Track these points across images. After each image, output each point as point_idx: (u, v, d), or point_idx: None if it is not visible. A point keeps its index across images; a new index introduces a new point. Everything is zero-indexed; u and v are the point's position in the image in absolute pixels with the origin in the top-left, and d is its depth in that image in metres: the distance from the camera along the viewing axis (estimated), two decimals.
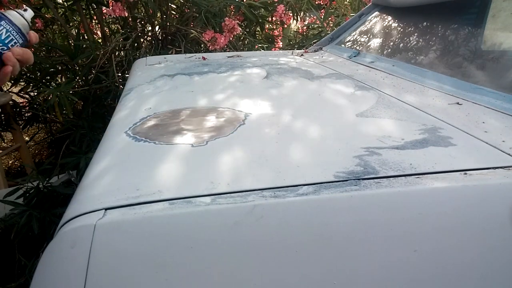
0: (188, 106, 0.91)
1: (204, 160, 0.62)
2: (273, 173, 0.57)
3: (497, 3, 1.06)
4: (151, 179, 0.57)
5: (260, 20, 2.57)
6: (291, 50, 1.87)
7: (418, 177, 0.55)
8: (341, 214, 0.52)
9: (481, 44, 1.05)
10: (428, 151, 0.63)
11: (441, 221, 0.53)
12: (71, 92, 1.87)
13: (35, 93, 2.60)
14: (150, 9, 2.36)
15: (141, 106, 0.94)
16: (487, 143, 0.66)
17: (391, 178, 0.55)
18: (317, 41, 2.06)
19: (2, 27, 0.60)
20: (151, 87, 1.12)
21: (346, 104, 0.90)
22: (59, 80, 2.58)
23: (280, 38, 3.13)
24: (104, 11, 2.36)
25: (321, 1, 3.03)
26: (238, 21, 2.23)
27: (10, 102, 2.34)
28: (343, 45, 1.70)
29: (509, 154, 0.61)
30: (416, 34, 1.32)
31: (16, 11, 0.63)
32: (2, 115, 2.32)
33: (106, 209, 0.50)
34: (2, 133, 2.45)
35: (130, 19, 2.43)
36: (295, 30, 3.32)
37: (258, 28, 2.76)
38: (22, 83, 2.48)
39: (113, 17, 2.11)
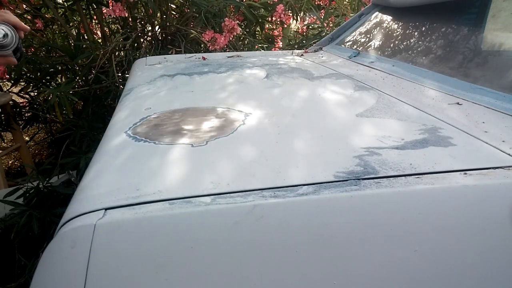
0: (188, 106, 0.91)
1: (204, 160, 0.62)
2: (273, 173, 0.57)
3: (497, 3, 1.06)
4: (151, 179, 0.57)
5: (260, 20, 2.57)
6: (291, 50, 1.87)
7: (418, 177, 0.55)
8: (341, 214, 0.52)
9: (481, 44, 1.05)
10: (428, 151, 0.63)
11: (441, 221, 0.53)
12: (71, 92, 1.87)
13: (35, 93, 2.60)
14: (150, 9, 2.36)
15: (141, 106, 0.94)
16: (487, 143, 0.66)
17: (391, 178, 0.55)
18: (317, 41, 2.06)
19: None
20: (151, 87, 1.12)
21: (346, 104, 0.90)
22: (59, 80, 2.58)
23: (280, 38, 3.13)
24: (104, 11, 2.36)
25: (321, 1, 3.04)
26: (238, 21, 2.23)
27: (10, 102, 2.34)
28: (343, 45, 1.70)
29: (509, 154, 0.61)
30: (416, 34, 1.32)
31: None
32: (2, 115, 2.33)
33: (106, 209, 0.50)
34: (2, 133, 2.45)
35: (130, 19, 2.43)
36: (295, 30, 3.32)
37: (258, 28, 2.76)
38: (22, 83, 2.48)
39: (113, 17, 2.11)
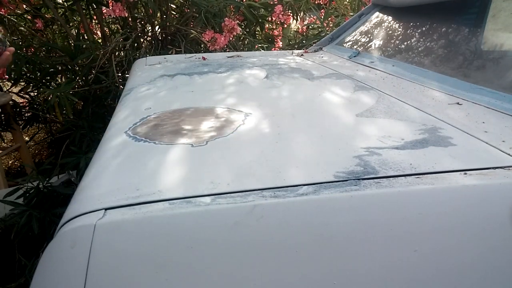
0: (188, 106, 0.91)
1: (204, 160, 0.62)
2: (273, 173, 0.57)
3: (497, 3, 1.06)
4: (151, 179, 0.57)
5: (260, 20, 2.57)
6: (291, 50, 1.87)
7: (418, 177, 0.55)
8: (341, 214, 0.52)
9: (481, 44, 1.05)
10: (428, 151, 0.63)
11: (441, 221, 0.53)
12: (71, 92, 1.87)
13: (35, 93, 2.60)
14: (150, 9, 2.36)
15: (141, 106, 0.94)
16: (487, 143, 0.66)
17: (391, 178, 0.55)
18: (317, 41, 2.06)
19: None
20: (151, 87, 1.12)
21: (346, 104, 0.90)
22: (59, 80, 2.58)
23: (280, 38, 3.13)
24: (104, 11, 2.36)
25: (320, 1, 3.03)
26: (238, 21, 2.23)
27: (10, 102, 2.34)
28: (343, 45, 1.70)
29: (509, 154, 0.61)
30: (416, 34, 1.32)
31: None
32: (2, 115, 2.32)
33: (106, 209, 0.50)
34: (2, 133, 2.45)
35: (130, 19, 2.43)
36: (295, 30, 3.32)
37: (258, 28, 2.76)
38: (22, 83, 2.48)
39: (113, 17, 2.11)
